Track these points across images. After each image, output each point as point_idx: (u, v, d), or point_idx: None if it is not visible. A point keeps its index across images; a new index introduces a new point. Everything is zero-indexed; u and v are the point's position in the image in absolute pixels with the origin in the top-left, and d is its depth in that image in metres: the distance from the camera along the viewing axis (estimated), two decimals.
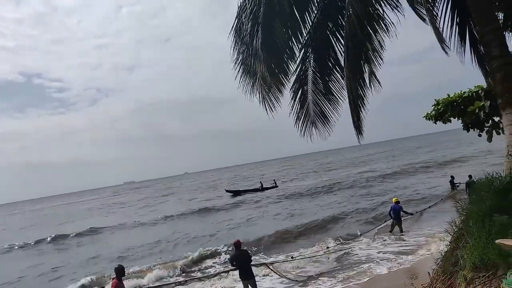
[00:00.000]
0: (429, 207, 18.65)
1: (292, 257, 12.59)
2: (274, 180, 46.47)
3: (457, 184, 22.42)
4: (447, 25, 6.45)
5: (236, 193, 42.22)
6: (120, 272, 7.77)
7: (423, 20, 5.51)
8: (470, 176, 18.23)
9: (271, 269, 11.10)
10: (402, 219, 15.14)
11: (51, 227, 33.76)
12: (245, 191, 42.58)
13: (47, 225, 37.84)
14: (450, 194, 21.31)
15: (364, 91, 6.80)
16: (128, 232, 25.12)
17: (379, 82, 6.63)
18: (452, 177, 23.26)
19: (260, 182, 46.10)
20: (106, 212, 44.23)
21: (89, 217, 39.39)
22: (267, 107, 7.13)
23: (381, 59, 6.69)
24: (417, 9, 5.50)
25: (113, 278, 7.93)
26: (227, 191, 43.49)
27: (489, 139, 8.84)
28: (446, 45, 5.95)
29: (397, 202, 15.09)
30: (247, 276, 8.83)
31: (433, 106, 9.65)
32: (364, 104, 6.89)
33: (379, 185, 30.81)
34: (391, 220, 15.03)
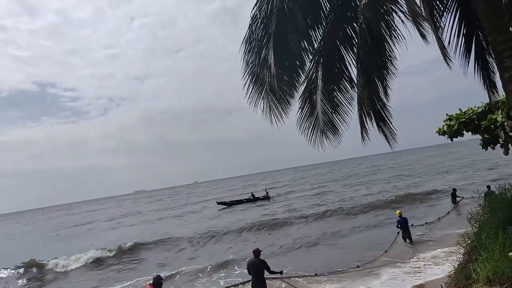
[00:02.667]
0: (425, 223, 17.32)
1: (316, 274, 11.39)
2: (266, 190, 45.62)
3: (460, 199, 21.47)
4: (454, 36, 6.45)
5: (228, 204, 41.32)
6: (158, 284, 7.75)
7: (423, 37, 5.51)
8: (488, 187, 17.48)
9: (288, 283, 10.23)
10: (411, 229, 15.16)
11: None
12: (237, 202, 41.82)
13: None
14: (450, 211, 19.61)
15: (380, 99, 6.81)
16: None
17: (387, 92, 6.66)
18: (454, 189, 22.28)
19: (252, 193, 45.31)
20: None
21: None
22: (273, 117, 7.14)
23: (395, 68, 6.73)
24: (419, 24, 5.50)
25: (149, 284, 7.81)
26: (218, 203, 42.34)
27: (506, 152, 8.64)
28: (449, 59, 5.92)
29: (401, 215, 15.16)
30: (257, 286, 8.70)
31: (445, 121, 9.53)
32: (386, 111, 6.89)
33: None
34: (400, 232, 14.90)
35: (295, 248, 17.28)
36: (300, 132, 7.44)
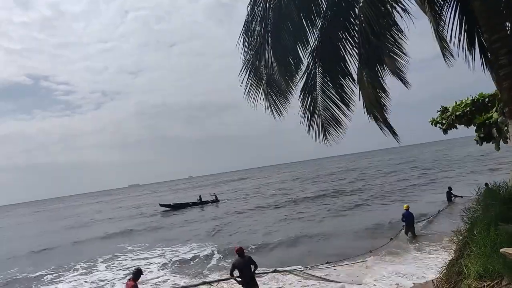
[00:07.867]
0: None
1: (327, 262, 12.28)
2: (214, 194, 44.51)
3: (453, 197, 21.57)
4: (455, 32, 6.42)
5: (172, 207, 40.60)
6: (137, 274, 7.91)
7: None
8: (486, 184, 17.66)
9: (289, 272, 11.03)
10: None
11: None
12: (182, 205, 41.06)
13: None
14: (445, 208, 19.79)
15: (381, 93, 6.79)
16: None
17: (405, 82, 6.65)
18: (450, 188, 22.26)
19: (199, 195, 44.11)
20: None
21: None
22: (274, 112, 7.17)
23: (405, 55, 6.59)
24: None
25: (129, 280, 7.89)
26: (161, 205, 41.81)
27: (497, 147, 8.79)
28: (451, 54, 5.89)
29: (408, 209, 15.41)
30: (249, 284, 8.41)
31: (439, 113, 9.57)
32: (385, 105, 6.88)
33: None
34: (404, 226, 15.25)
35: None
36: (305, 127, 7.40)
